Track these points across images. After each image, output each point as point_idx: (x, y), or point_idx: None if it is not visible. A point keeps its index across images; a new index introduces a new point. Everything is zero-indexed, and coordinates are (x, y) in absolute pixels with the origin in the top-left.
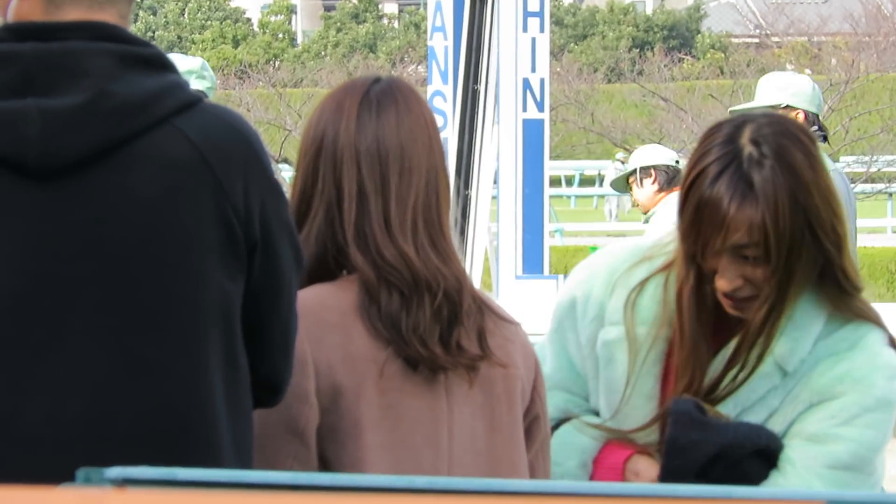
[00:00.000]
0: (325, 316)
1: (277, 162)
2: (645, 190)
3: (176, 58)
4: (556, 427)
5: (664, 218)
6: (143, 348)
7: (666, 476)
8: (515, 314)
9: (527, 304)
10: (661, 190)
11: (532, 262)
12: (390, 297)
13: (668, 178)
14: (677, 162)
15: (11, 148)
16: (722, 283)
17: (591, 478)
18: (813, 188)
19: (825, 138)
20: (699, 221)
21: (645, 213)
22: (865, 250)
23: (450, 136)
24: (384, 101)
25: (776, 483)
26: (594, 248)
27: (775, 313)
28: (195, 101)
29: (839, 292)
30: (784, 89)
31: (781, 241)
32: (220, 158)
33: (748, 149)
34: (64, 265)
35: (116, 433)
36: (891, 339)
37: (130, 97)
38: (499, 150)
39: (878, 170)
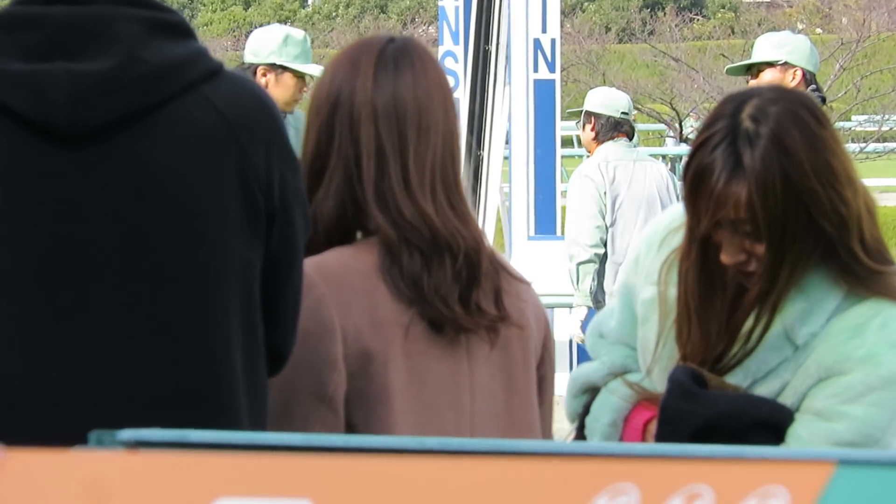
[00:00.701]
0: (351, 280)
1: None
2: (585, 134)
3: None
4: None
5: (588, 167)
6: (165, 314)
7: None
8: (528, 274)
9: (539, 265)
10: (596, 138)
11: (544, 223)
12: (411, 257)
13: (605, 127)
14: (625, 114)
15: (39, 111)
16: (724, 257)
17: (620, 436)
18: (810, 170)
19: (823, 100)
20: (694, 192)
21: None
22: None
23: (461, 97)
24: (400, 60)
25: None
26: None
27: (773, 287)
28: (219, 69)
29: (852, 271)
30: (781, 47)
31: (773, 221)
32: (245, 127)
33: (746, 124)
34: (89, 230)
35: (136, 398)
36: None
37: (160, 64)
38: (510, 111)
39: (891, 129)
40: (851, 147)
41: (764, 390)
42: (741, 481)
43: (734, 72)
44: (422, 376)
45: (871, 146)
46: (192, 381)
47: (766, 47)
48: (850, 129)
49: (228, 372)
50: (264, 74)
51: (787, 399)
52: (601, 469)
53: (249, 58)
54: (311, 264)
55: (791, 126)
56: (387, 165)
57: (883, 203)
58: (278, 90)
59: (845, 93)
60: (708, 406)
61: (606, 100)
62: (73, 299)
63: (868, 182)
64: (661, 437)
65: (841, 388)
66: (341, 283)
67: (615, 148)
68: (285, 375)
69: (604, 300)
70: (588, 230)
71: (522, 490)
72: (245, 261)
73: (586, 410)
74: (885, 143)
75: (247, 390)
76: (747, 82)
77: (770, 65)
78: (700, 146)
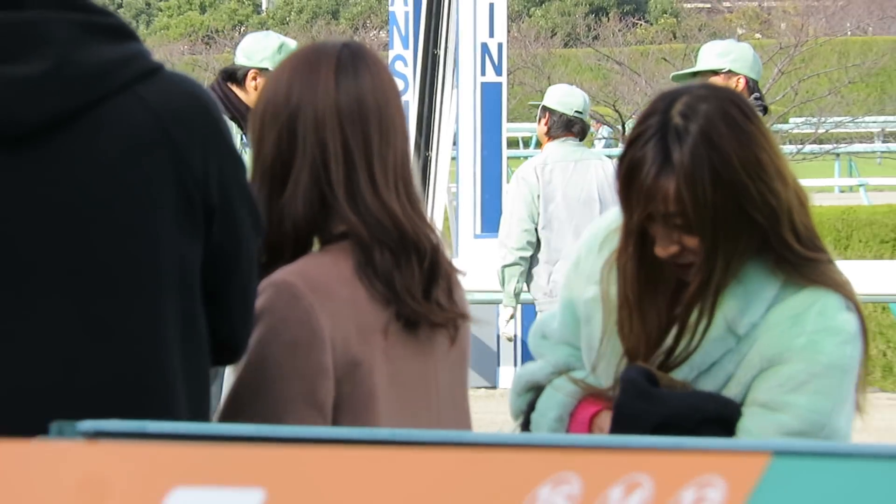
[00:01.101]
0: (335, 289)
1: None
2: (539, 128)
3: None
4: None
5: (526, 169)
6: (102, 310)
7: None
8: (474, 272)
9: (485, 263)
10: (548, 132)
11: (490, 222)
12: (383, 256)
13: (556, 124)
14: (579, 113)
15: None
16: (658, 250)
17: (567, 431)
18: (738, 164)
19: (765, 109)
20: (627, 186)
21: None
22: (815, 209)
23: (410, 100)
24: (358, 64)
25: None
26: None
27: (711, 280)
28: (156, 69)
29: (787, 260)
30: (725, 55)
31: (703, 214)
32: (178, 125)
33: (675, 120)
34: (27, 230)
35: (80, 393)
36: (853, 304)
37: (91, 65)
38: (458, 113)
39: (827, 131)
40: (788, 148)
41: (709, 383)
42: (680, 471)
43: (679, 79)
44: (401, 379)
45: (808, 147)
46: (125, 371)
47: (710, 55)
48: (787, 131)
49: (163, 362)
50: (254, 77)
51: (731, 391)
52: (545, 459)
53: (241, 60)
54: (295, 274)
55: (720, 122)
56: (354, 166)
57: (819, 203)
58: None
59: (783, 96)
60: (662, 405)
61: (563, 97)
62: (15, 299)
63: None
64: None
65: (784, 378)
66: (328, 293)
67: (559, 148)
68: (277, 384)
69: (541, 299)
70: (515, 233)
71: (469, 478)
72: (181, 254)
73: (531, 407)
74: (822, 145)
75: (185, 380)
76: None
77: (714, 73)
78: (632, 142)
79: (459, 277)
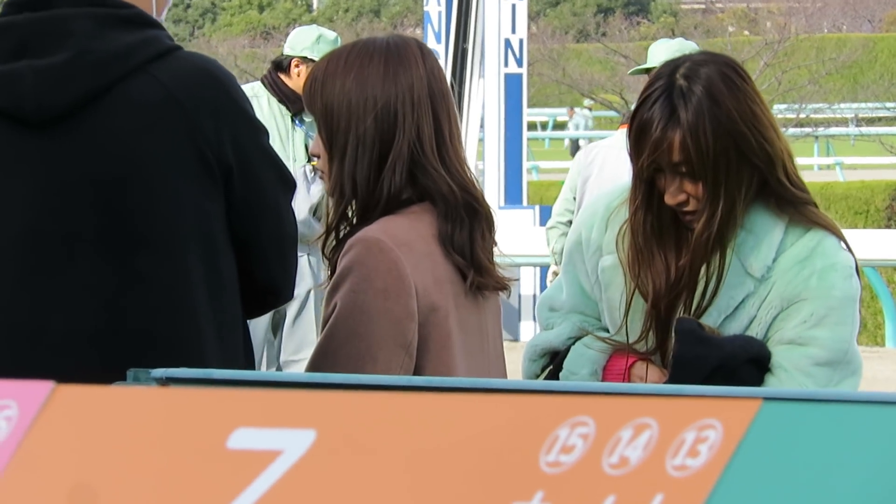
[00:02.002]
0: (417, 245)
1: None
2: None
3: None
4: (574, 342)
5: (582, 150)
6: (135, 262)
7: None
8: (499, 238)
9: (508, 231)
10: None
11: (512, 195)
12: (462, 229)
13: (626, 115)
14: None
15: (12, 104)
16: (667, 197)
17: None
18: (737, 116)
19: None
20: (637, 142)
21: None
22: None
23: None
24: (427, 52)
25: (772, 385)
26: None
27: (715, 217)
28: (171, 50)
29: (786, 202)
30: (674, 54)
31: (705, 161)
32: (189, 97)
33: (680, 82)
34: (66, 200)
35: (124, 335)
36: (844, 242)
37: (109, 51)
38: (484, 100)
39: (807, 116)
40: None
41: (734, 326)
42: (682, 415)
43: (637, 73)
44: (465, 326)
45: (791, 131)
46: (160, 315)
47: (661, 53)
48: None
49: (190, 303)
50: (297, 65)
51: (754, 331)
52: (563, 403)
53: (287, 50)
54: (379, 231)
55: (719, 82)
56: (443, 142)
57: None
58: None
59: (768, 85)
60: (719, 349)
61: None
62: (62, 259)
63: None
64: (676, 381)
65: (805, 315)
66: (410, 248)
67: (616, 135)
68: (369, 327)
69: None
70: (559, 203)
71: (497, 420)
72: (202, 210)
73: (550, 371)
74: (802, 129)
75: (213, 322)
76: None
77: None
78: (641, 103)
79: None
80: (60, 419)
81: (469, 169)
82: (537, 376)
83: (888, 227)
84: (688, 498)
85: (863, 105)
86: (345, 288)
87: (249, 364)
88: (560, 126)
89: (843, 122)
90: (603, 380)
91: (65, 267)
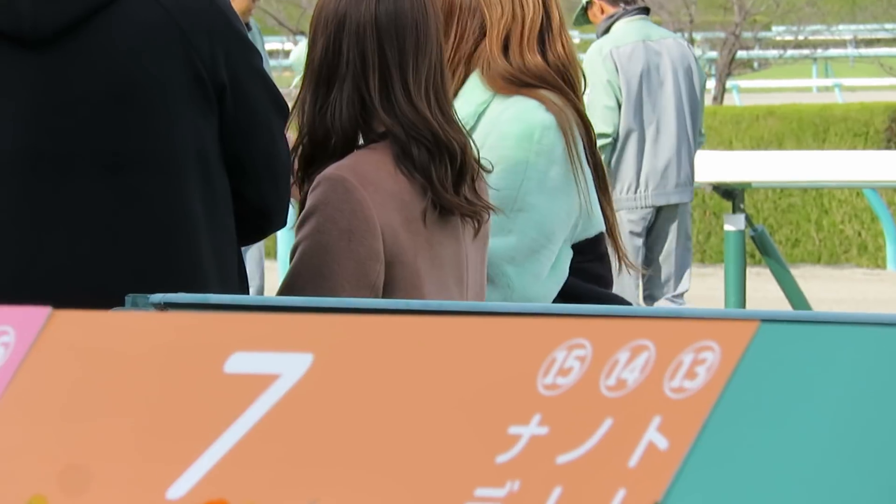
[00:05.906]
0: (383, 183)
1: (294, 34)
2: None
3: None
4: None
5: None
6: (132, 179)
7: None
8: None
9: None
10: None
11: None
12: (419, 151)
13: None
14: None
15: (10, 24)
16: None
17: None
18: None
19: (647, 10)
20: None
21: None
22: (795, 106)
23: None
24: None
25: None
26: None
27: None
28: None
29: (496, 72)
30: None
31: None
32: (185, 16)
33: None
34: (64, 118)
35: (119, 254)
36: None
37: None
38: None
39: (805, 38)
40: (772, 53)
41: None
42: (679, 337)
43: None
44: (440, 262)
45: (789, 52)
46: (158, 232)
47: None
48: (770, 37)
49: (187, 217)
50: None
51: None
52: (560, 326)
53: None
54: (346, 169)
55: None
56: (391, 76)
57: (799, 101)
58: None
59: (766, 7)
60: None
61: None
62: (61, 177)
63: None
64: None
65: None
66: (376, 186)
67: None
68: (332, 266)
69: None
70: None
71: (495, 342)
72: (197, 126)
73: None
74: (801, 50)
75: (211, 240)
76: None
77: None
78: None
79: (484, 174)
80: (58, 345)
81: (437, 105)
82: None
83: (888, 148)
84: (686, 420)
85: (861, 26)
86: (309, 227)
87: (243, 288)
88: None
89: (842, 43)
90: None
91: (62, 186)
